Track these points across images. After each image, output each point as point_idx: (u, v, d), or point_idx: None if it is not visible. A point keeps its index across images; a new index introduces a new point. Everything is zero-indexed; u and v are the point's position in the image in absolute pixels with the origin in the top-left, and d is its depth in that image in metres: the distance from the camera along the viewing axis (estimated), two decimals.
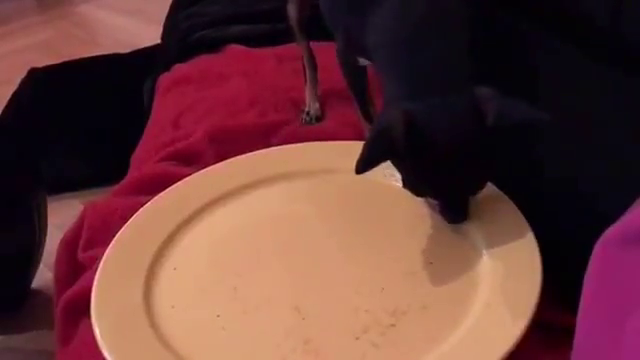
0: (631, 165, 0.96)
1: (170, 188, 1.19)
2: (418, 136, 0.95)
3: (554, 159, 1.05)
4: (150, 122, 1.58)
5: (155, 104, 1.67)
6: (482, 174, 1.01)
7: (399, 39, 1.04)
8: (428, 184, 1.01)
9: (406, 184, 1.03)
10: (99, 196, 1.32)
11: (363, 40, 1.09)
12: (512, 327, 0.89)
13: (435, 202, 1.06)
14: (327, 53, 1.31)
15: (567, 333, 0.77)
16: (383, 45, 1.06)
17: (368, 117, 1.26)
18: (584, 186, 1.00)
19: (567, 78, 1.11)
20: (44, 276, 1.92)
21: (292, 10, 1.41)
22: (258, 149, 1.28)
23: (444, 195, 1.03)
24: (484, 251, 1.01)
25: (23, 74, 2.37)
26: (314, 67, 1.46)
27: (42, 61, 2.50)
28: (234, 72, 1.63)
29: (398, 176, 1.04)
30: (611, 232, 0.73)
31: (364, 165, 0.94)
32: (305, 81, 1.46)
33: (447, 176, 0.98)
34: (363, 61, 1.18)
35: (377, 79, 1.13)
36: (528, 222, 1.02)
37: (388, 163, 0.99)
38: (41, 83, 2.36)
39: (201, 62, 1.74)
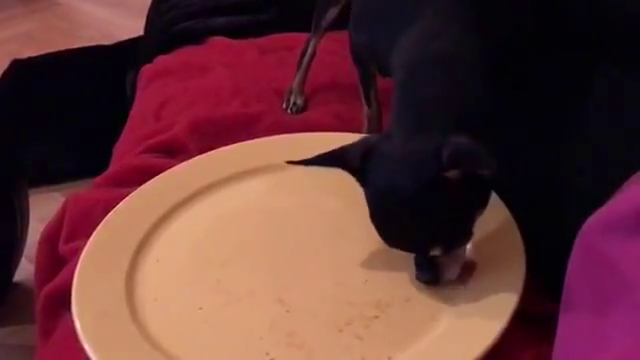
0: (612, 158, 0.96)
1: (152, 180, 1.18)
2: (366, 174, 0.94)
3: (538, 152, 1.05)
4: (132, 114, 1.57)
5: (137, 96, 1.66)
6: (436, 230, 0.92)
7: (413, 71, 0.99)
8: (375, 226, 0.95)
9: None
10: (82, 189, 1.31)
11: (388, 56, 1.04)
12: (495, 319, 0.89)
13: None
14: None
15: (550, 323, 0.78)
16: (401, 72, 1.00)
17: (368, 101, 1.27)
18: (566, 176, 1.00)
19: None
20: (26, 269, 1.91)
21: (333, 12, 1.40)
22: (241, 140, 1.27)
23: (390, 243, 0.95)
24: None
25: (5, 65, 2.35)
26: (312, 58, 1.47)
27: (24, 53, 2.49)
28: (216, 63, 1.62)
29: None
30: (593, 221, 0.73)
31: (313, 161, 0.97)
32: (297, 71, 1.47)
33: (388, 223, 0.94)
34: None
35: None
36: (511, 214, 1.02)
37: None
38: (23, 75, 2.35)
39: (183, 54, 1.73)
